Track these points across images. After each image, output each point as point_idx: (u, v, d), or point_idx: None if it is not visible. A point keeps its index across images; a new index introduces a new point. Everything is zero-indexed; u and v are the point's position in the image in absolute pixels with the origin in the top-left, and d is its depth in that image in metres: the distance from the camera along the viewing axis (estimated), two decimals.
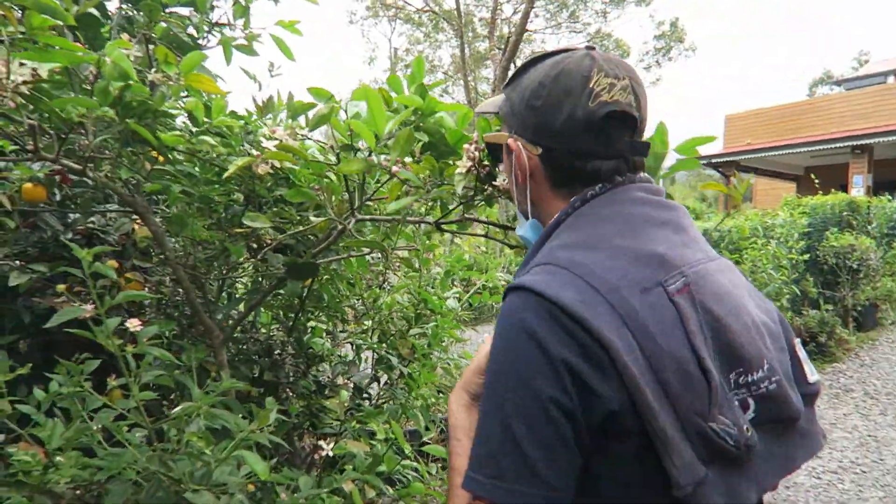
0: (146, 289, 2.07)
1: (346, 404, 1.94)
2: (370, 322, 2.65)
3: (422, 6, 18.72)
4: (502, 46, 15.55)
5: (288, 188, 1.95)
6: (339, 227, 1.54)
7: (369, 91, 1.12)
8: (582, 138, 0.91)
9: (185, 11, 1.80)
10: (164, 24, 1.58)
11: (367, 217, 1.45)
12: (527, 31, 14.56)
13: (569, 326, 0.78)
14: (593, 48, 0.98)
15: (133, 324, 1.20)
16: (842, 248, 8.43)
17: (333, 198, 1.46)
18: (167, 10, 1.79)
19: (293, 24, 1.95)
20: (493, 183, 1.20)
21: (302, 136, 1.27)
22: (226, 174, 1.30)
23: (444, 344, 2.31)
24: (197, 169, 1.77)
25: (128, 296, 1.20)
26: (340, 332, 2.75)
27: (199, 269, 1.91)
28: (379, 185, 1.54)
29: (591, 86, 0.91)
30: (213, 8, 1.83)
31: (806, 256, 7.89)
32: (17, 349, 2.02)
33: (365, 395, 2.47)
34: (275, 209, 1.93)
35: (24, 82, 1.14)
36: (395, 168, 1.16)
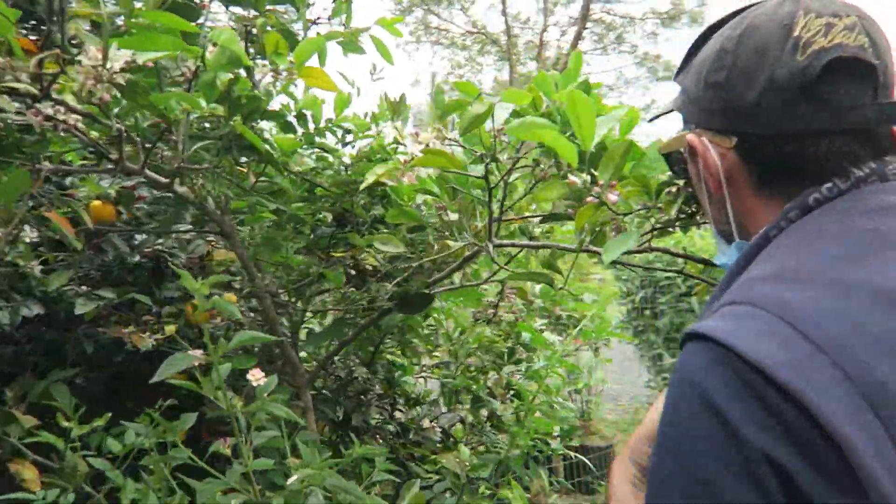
0: (219, 320, 1.86)
1: (467, 462, 1.68)
2: (447, 355, 2.40)
3: (467, 30, 18.71)
4: (550, 69, 15.27)
5: (384, 207, 1.74)
6: (468, 252, 1.30)
7: (576, 95, 0.87)
8: (793, 109, 0.63)
9: (280, 9, 1.60)
10: (261, 20, 1.38)
11: (509, 242, 1.21)
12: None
13: (771, 401, 0.50)
14: None
15: (256, 377, 0.97)
16: None
17: (466, 219, 1.22)
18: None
19: (393, 24, 1.75)
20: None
21: (450, 140, 1.03)
22: (363, 184, 1.06)
23: (549, 385, 2.04)
24: (288, 183, 1.56)
25: (247, 338, 0.96)
26: (412, 364, 2.51)
27: (288, 299, 1.70)
28: (510, 203, 1.30)
29: (796, 33, 0.63)
30: (309, 5, 1.63)
31: None
32: (75, 382, 1.83)
33: (451, 440, 2.21)
34: (373, 231, 1.71)
35: (122, 69, 0.93)
36: (612, 197, 0.89)
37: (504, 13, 17.37)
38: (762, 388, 0.50)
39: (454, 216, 1.28)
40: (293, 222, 1.66)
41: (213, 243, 1.90)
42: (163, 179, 1.26)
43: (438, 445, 2.12)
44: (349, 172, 1.63)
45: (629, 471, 0.72)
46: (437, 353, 2.59)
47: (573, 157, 0.88)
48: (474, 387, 2.18)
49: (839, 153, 0.64)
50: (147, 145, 1.21)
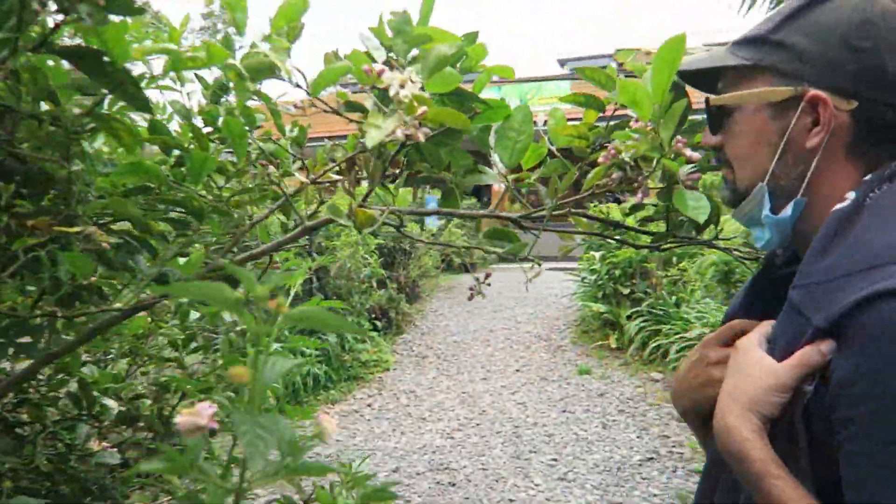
0: None
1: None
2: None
3: None
4: None
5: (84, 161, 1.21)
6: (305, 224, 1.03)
7: (677, 41, 0.76)
8: None
9: None
10: None
11: (408, 210, 0.99)
12: None
13: None
14: None
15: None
16: (397, 232, 9.66)
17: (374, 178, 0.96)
18: None
19: None
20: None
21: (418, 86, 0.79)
22: (370, 142, 0.72)
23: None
24: None
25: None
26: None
27: None
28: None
29: None
30: None
31: (378, 241, 8.76)
32: None
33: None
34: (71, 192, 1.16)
35: None
36: (690, 153, 0.82)
37: None
38: None
39: (301, 176, 1.00)
40: None
41: None
42: None
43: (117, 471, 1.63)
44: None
45: (752, 421, 0.74)
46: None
47: (647, 112, 0.81)
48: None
49: None
50: None
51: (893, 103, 0.75)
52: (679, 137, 0.85)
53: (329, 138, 1.41)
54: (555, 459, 4.63)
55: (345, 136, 1.37)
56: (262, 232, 1.34)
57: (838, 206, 0.77)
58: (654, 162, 0.87)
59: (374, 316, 8.12)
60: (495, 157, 1.20)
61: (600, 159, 0.92)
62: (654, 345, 6.49)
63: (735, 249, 1.04)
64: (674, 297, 7.00)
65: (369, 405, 5.93)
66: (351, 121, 0.97)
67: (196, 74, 1.26)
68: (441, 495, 4.15)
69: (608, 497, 4.04)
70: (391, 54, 1.02)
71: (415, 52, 1.04)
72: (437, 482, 4.33)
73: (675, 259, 7.59)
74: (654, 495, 4.05)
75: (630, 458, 4.61)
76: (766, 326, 0.81)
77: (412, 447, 4.90)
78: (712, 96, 0.85)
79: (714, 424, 0.78)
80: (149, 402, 1.68)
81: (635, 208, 1.07)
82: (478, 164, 1.14)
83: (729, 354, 0.88)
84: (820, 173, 0.80)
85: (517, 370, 6.92)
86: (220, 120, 1.29)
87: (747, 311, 0.93)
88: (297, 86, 0.90)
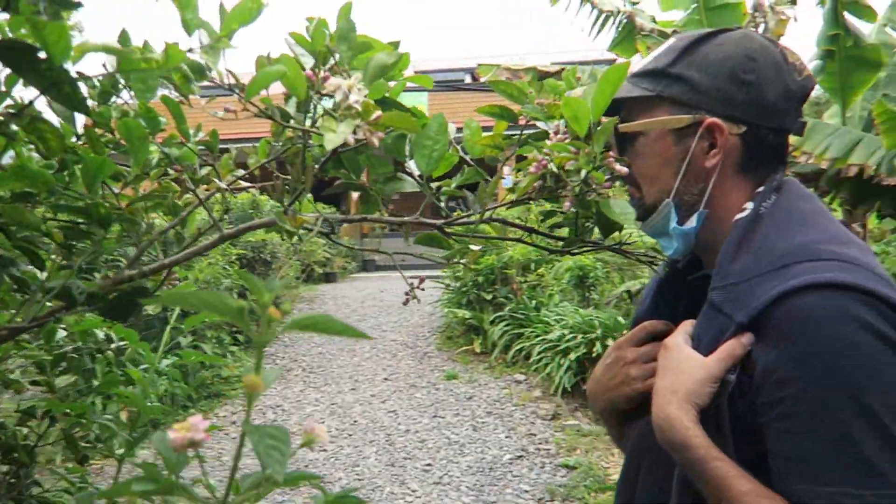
0: None
1: None
2: None
3: None
4: None
5: None
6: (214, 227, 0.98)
7: (622, 67, 0.79)
8: (791, 114, 0.89)
9: None
10: None
11: (349, 218, 0.95)
12: None
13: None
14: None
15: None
16: (257, 242, 9.36)
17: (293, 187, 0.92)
18: None
19: None
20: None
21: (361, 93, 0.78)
22: (328, 146, 0.69)
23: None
24: None
25: None
26: None
27: None
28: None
29: (790, 59, 0.89)
30: None
31: (238, 251, 8.44)
32: None
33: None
34: None
35: None
36: (619, 167, 0.86)
37: None
38: (892, 315, 0.74)
39: (218, 181, 0.96)
40: None
41: None
42: None
43: None
44: None
45: (691, 412, 0.81)
46: None
47: (584, 128, 0.85)
48: None
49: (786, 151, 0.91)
50: None
51: (773, 127, 0.89)
52: (610, 152, 0.92)
53: (231, 141, 1.36)
54: (429, 464, 4.69)
55: (244, 140, 1.32)
56: (158, 244, 1.26)
57: (739, 215, 0.88)
58: (583, 173, 0.94)
59: (234, 329, 7.78)
60: (411, 165, 1.23)
61: (532, 168, 0.98)
62: (517, 348, 6.77)
63: (641, 253, 1.14)
64: (534, 302, 7.34)
65: (234, 423, 5.66)
66: (284, 126, 0.95)
67: (79, 73, 1.17)
68: None
69: (483, 497, 4.16)
70: (315, 62, 1.01)
71: (333, 60, 1.04)
72: (312, 496, 4.23)
73: (532, 265, 7.98)
74: (526, 491, 4.23)
75: (501, 457, 4.77)
76: (688, 326, 0.89)
77: None
78: (621, 124, 0.94)
79: (654, 418, 0.85)
80: (24, 430, 1.51)
81: (549, 214, 1.14)
82: (397, 172, 1.16)
83: (644, 353, 0.96)
84: (717, 188, 0.91)
85: (385, 378, 6.92)
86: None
87: (653, 313, 1.03)
88: (230, 88, 0.87)
